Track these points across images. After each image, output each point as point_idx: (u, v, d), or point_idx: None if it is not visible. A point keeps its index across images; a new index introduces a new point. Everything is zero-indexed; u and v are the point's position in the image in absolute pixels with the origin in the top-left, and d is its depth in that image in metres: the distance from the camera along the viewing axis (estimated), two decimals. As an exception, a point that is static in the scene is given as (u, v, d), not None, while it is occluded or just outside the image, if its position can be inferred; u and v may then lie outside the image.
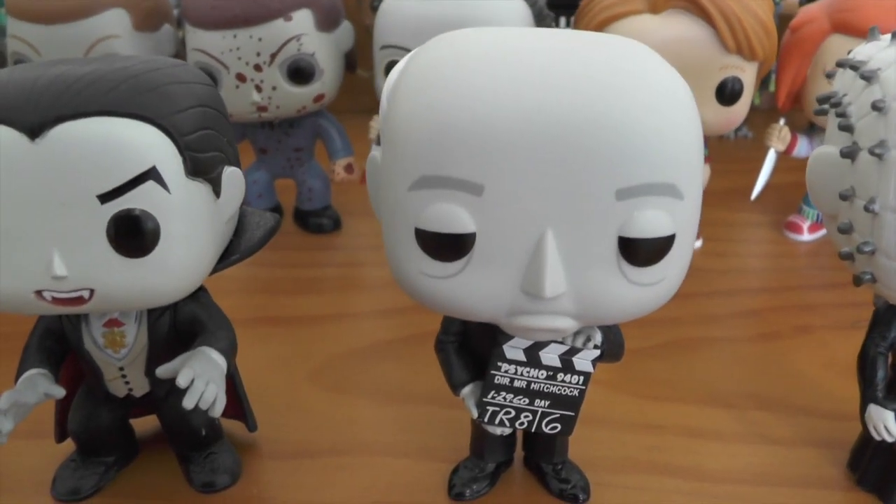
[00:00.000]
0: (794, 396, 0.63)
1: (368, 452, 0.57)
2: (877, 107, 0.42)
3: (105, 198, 0.42)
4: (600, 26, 0.75)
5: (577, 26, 0.79)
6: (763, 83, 0.88)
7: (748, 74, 0.77)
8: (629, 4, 0.74)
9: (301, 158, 0.91)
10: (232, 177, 0.48)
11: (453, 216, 0.38)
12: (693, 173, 0.39)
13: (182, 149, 0.44)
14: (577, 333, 0.45)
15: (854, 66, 0.45)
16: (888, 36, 0.46)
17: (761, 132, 0.92)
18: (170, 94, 0.45)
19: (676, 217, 0.38)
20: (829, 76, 0.50)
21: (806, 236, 0.91)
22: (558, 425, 0.47)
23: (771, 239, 0.92)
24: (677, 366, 0.68)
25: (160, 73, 0.46)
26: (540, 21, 0.79)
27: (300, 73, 0.81)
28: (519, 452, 0.55)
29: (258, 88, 0.81)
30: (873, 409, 0.50)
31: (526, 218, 0.37)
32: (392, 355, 0.69)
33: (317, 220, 0.93)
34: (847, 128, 0.45)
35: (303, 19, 0.80)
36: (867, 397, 0.50)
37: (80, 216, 0.43)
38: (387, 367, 0.67)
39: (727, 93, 0.77)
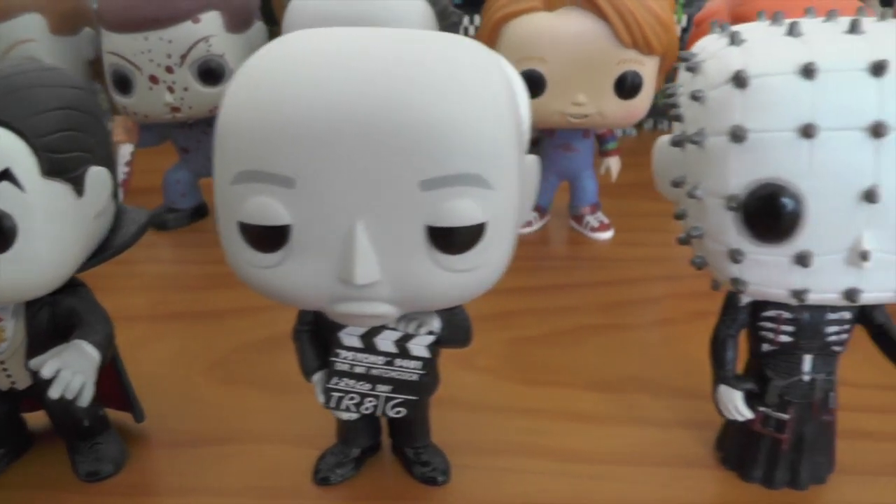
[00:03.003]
0: (679, 380, 0.65)
1: (250, 440, 0.59)
2: (696, 97, 0.44)
3: (-37, 198, 0.44)
4: (498, 24, 0.77)
5: (480, 25, 0.81)
6: (669, 79, 0.90)
7: (648, 68, 0.79)
8: (525, 2, 0.76)
9: (222, 157, 0.92)
10: (96, 176, 0.50)
11: (269, 209, 0.40)
12: (504, 164, 0.41)
13: (37, 150, 0.46)
14: (411, 319, 0.46)
15: (685, 59, 0.47)
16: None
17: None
18: (29, 98, 0.47)
19: (486, 206, 0.40)
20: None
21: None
22: (402, 409, 0.49)
23: (679, 229, 0.93)
24: (569, 352, 0.70)
25: (23, 77, 0.48)
26: (443, 19, 0.81)
27: (210, 73, 0.83)
28: (389, 439, 0.57)
29: (170, 90, 0.83)
30: (723, 390, 0.52)
31: (337, 209, 0.39)
32: (286, 347, 0.70)
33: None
34: (677, 117, 0.47)
35: (211, 21, 0.82)
36: (718, 378, 0.52)
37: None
38: (280, 358, 0.68)
39: (626, 86, 0.79)
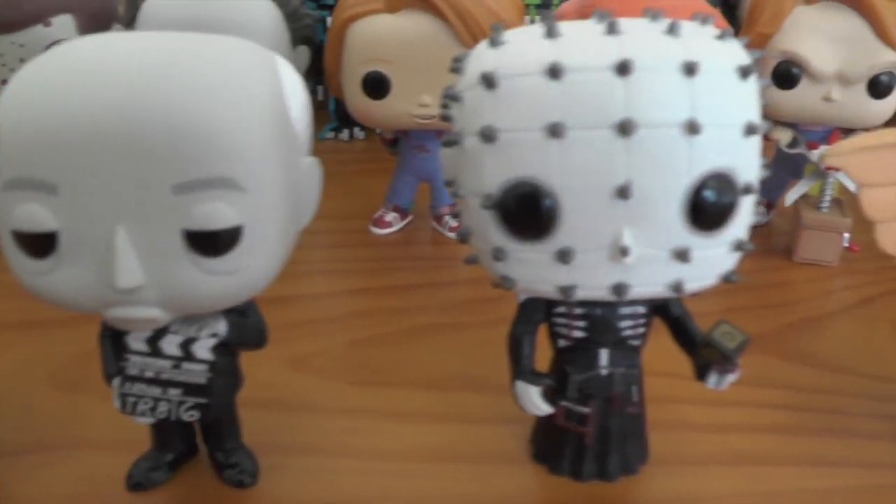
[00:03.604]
0: (505, 376, 0.65)
1: (75, 447, 0.59)
2: (455, 97, 0.45)
3: None
4: (343, 26, 0.78)
5: (330, 26, 0.82)
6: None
7: (495, 68, 0.80)
8: (368, 4, 0.77)
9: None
10: None
11: (35, 215, 0.41)
12: (261, 167, 0.42)
13: None
14: (193, 322, 0.47)
15: (455, 60, 0.48)
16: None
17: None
18: None
19: (241, 209, 0.41)
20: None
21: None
22: (195, 413, 0.49)
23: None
24: (404, 352, 0.70)
25: None
26: (294, 21, 0.81)
27: (64, 78, 0.82)
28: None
29: (25, 95, 0.82)
30: (520, 385, 0.52)
31: (98, 215, 0.40)
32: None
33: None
34: (446, 118, 0.47)
35: (64, 24, 0.81)
36: (515, 374, 0.53)
37: None
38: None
39: (474, 87, 0.79)
